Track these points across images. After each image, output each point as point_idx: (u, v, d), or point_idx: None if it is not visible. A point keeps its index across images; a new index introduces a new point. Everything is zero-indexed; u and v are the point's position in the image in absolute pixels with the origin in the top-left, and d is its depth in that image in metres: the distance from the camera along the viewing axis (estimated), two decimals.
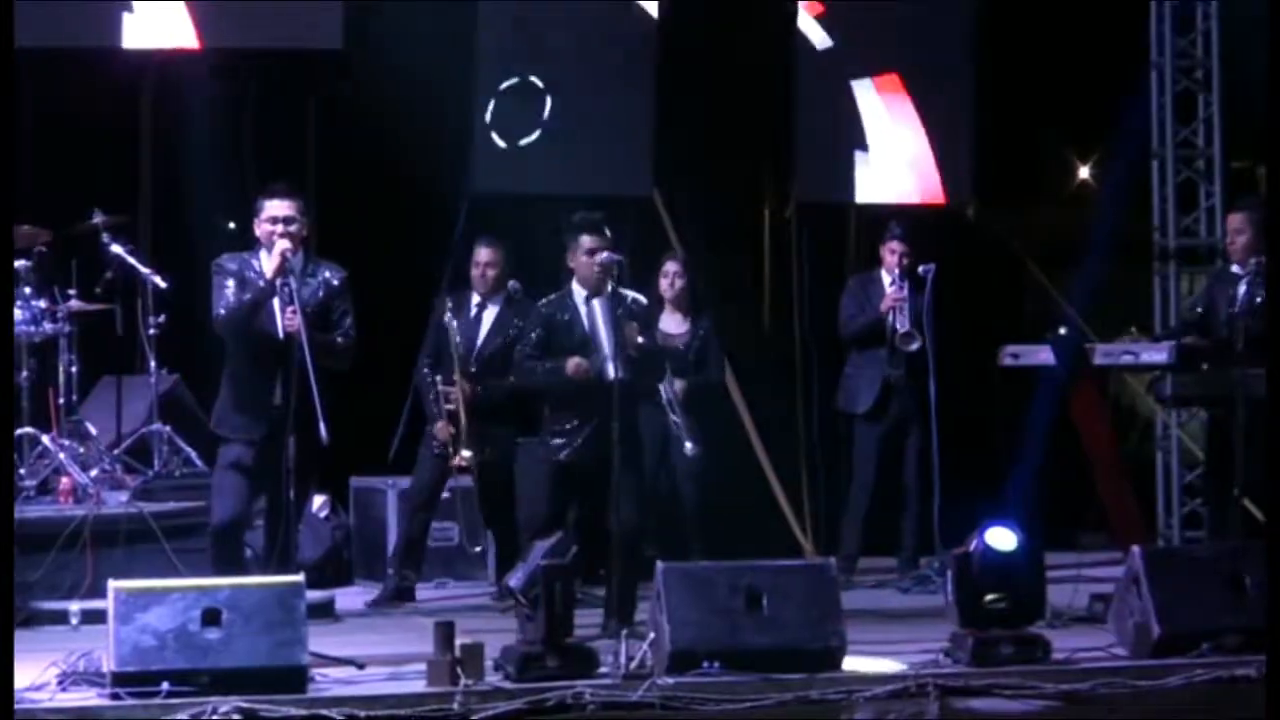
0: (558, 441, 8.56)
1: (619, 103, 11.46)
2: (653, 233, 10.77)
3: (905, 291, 10.10)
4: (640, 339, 8.43)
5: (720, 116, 11.36)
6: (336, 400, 7.99)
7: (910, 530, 10.20)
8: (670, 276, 10.02)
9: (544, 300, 8.72)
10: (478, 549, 9.83)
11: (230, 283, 8.15)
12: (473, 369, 9.65)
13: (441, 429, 9.60)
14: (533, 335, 8.64)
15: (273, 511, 8.28)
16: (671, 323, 9.98)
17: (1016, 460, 9.80)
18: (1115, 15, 11.90)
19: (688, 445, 9.36)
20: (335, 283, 8.23)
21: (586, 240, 8.51)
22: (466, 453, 9.51)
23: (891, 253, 10.26)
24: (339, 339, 8.24)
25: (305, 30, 11.07)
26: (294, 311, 7.93)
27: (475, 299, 9.82)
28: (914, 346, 10.00)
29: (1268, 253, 7.89)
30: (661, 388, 9.37)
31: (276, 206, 8.13)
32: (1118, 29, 11.96)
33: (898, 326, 10.04)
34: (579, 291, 8.57)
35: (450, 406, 9.52)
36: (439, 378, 9.59)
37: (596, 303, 8.46)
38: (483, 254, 9.83)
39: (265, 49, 11.06)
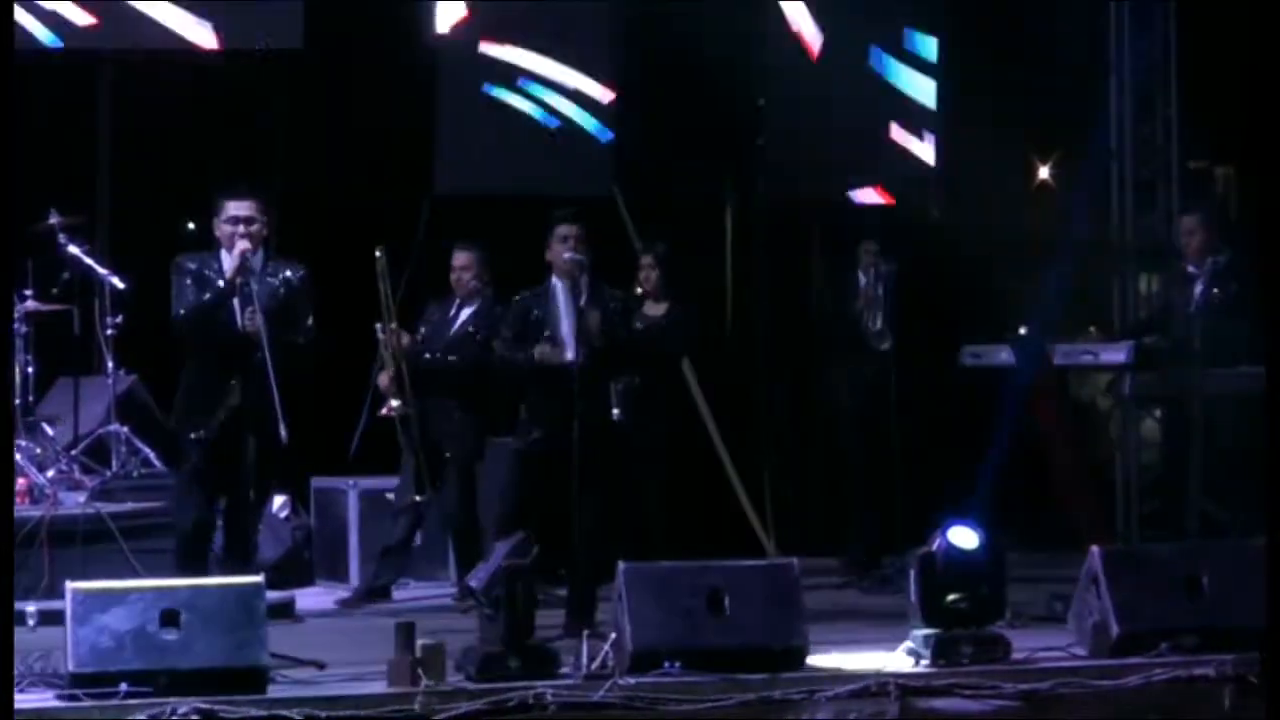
0: (524, 433, 8.62)
1: (580, 102, 11.46)
2: (615, 233, 10.73)
3: (880, 290, 10.15)
4: (604, 328, 8.50)
5: (683, 114, 11.36)
6: (298, 400, 7.98)
7: (868, 528, 10.25)
8: (645, 270, 10.08)
9: (522, 294, 8.74)
10: (418, 498, 9.79)
11: (190, 282, 8.14)
12: (433, 354, 9.67)
13: (384, 378, 9.61)
14: (509, 325, 8.68)
15: (232, 511, 8.27)
16: (653, 309, 10.05)
17: (981, 459, 9.80)
18: (1075, 16, 11.95)
19: (614, 411, 9.40)
20: (296, 282, 8.22)
21: (561, 229, 8.57)
22: (395, 402, 9.54)
23: (866, 252, 10.32)
24: (299, 339, 8.23)
25: (266, 30, 11.04)
26: (254, 311, 7.92)
27: (456, 302, 9.86)
28: (885, 345, 10.05)
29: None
30: None
31: (236, 206, 8.13)
32: (1077, 29, 12.01)
33: (870, 325, 10.08)
34: (558, 284, 8.60)
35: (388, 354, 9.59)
36: (378, 325, 9.60)
37: (560, 288, 8.49)
38: (458, 258, 9.84)
39: (226, 49, 11.04)
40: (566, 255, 8.50)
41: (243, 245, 8.04)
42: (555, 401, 8.45)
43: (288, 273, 8.23)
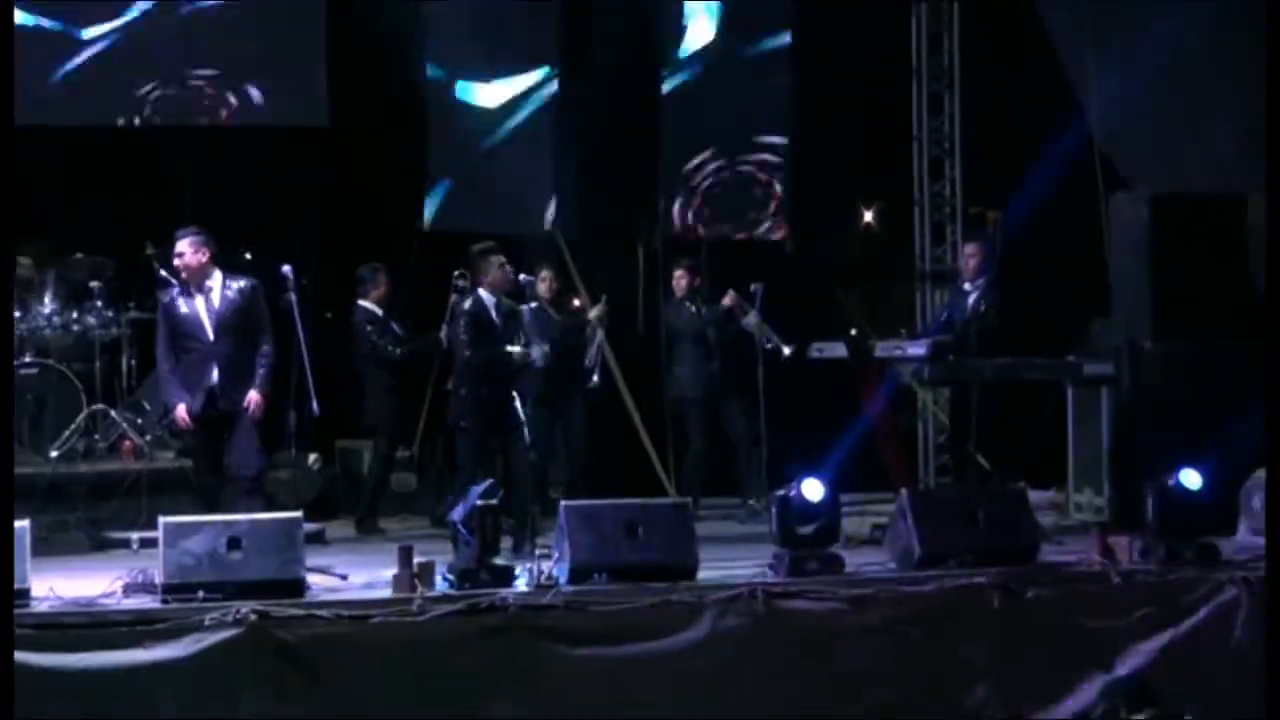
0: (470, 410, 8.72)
1: (524, 154, 11.30)
2: (555, 263, 10.65)
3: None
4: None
5: (606, 167, 11.32)
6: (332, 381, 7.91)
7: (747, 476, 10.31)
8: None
9: (465, 304, 8.79)
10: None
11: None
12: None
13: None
14: (467, 329, 8.73)
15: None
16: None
17: (821, 427, 9.76)
18: (883, 101, 11.97)
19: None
20: (247, 292, 8.01)
21: (497, 259, 8.82)
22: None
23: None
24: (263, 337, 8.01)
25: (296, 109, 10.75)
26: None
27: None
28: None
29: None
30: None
31: (177, 244, 8.02)
32: (886, 108, 12.05)
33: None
34: (489, 297, 8.77)
35: None
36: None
37: (528, 307, 9.09)
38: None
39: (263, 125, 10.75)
40: (522, 276, 9.02)
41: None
42: (497, 384, 8.56)
43: (240, 285, 8.04)
